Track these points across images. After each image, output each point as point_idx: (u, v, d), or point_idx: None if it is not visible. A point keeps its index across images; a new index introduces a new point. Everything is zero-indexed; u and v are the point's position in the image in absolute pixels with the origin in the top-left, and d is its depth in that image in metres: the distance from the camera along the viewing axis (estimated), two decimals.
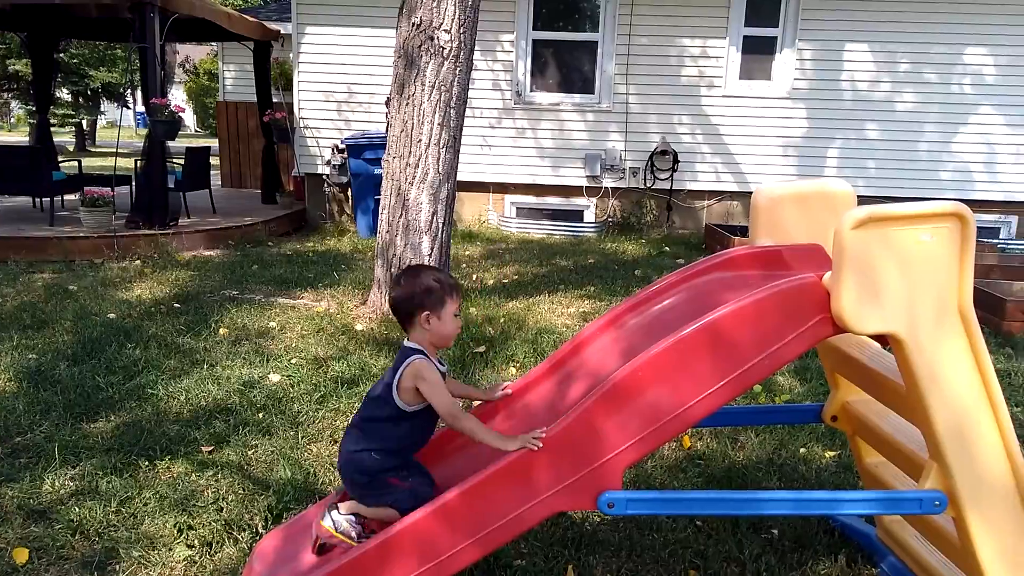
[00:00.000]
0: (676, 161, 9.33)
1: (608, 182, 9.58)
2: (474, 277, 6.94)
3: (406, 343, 2.20)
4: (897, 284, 1.88)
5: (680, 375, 1.98)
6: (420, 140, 5.17)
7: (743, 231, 8.36)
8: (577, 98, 9.52)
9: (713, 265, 2.45)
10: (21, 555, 2.58)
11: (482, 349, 4.80)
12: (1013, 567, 1.99)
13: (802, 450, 3.57)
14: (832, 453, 3.54)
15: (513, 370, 4.53)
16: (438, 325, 2.16)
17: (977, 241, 7.76)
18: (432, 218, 5.34)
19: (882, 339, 1.99)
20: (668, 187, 9.49)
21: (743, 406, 3.34)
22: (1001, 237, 9.29)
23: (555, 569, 2.64)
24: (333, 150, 9.56)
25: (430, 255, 5.40)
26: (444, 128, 5.18)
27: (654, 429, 2.00)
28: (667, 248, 8.61)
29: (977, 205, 9.38)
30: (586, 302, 6.09)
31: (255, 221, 8.87)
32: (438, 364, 2.19)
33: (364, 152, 8.79)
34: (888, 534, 2.65)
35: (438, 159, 5.22)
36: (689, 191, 9.61)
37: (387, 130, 5.41)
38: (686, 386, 1.99)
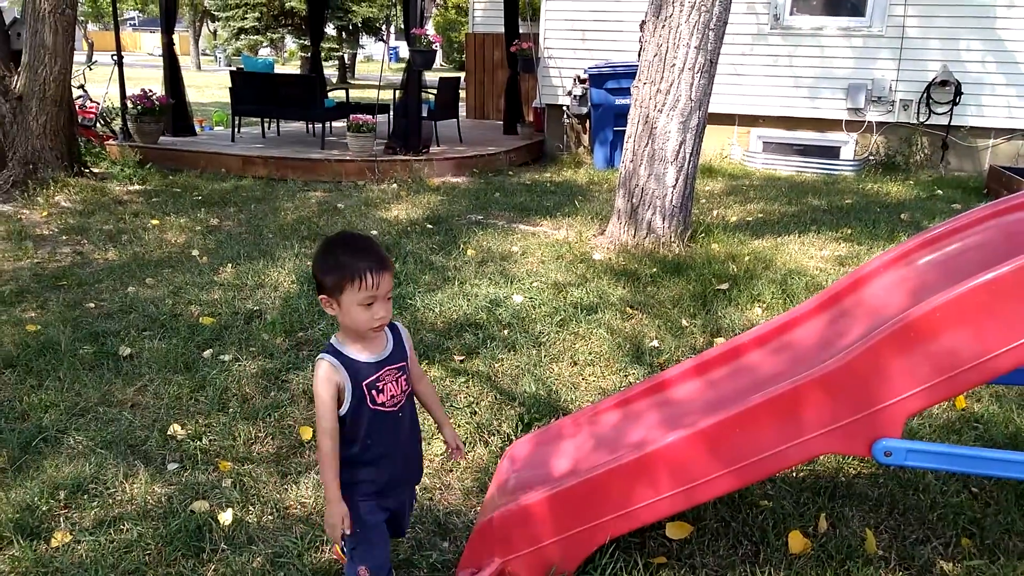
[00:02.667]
0: (959, 93, 8.21)
1: (873, 116, 8.68)
2: (714, 213, 6.67)
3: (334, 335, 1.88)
4: None
5: (988, 320, 1.74)
6: (674, 64, 4.97)
7: None
8: (844, 21, 8.64)
9: None
10: (306, 432, 2.92)
11: (725, 286, 4.62)
12: None
13: None
14: None
15: (759, 310, 4.32)
16: (341, 314, 1.77)
17: None
18: (680, 148, 5.16)
19: None
20: (946, 123, 8.40)
21: None
22: None
23: (805, 515, 2.51)
24: (575, 80, 9.54)
25: (674, 187, 5.24)
26: (701, 51, 4.93)
27: (948, 377, 1.79)
28: (939, 191, 7.68)
29: None
30: (843, 245, 5.62)
31: (497, 151, 9.15)
32: (355, 355, 1.80)
33: (606, 82, 8.68)
34: None
35: (691, 85, 5.00)
36: (971, 128, 8.44)
37: (639, 55, 5.26)
38: (993, 333, 1.75)
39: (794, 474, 2.76)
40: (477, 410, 3.11)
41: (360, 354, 1.81)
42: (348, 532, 1.81)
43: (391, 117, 9.20)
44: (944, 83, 8.23)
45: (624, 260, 5.13)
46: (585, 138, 9.93)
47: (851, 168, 8.67)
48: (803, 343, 2.22)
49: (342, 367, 1.78)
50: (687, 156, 5.18)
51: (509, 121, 10.69)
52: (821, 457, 2.84)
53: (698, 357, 2.41)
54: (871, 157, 8.83)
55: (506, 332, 3.93)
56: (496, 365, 3.56)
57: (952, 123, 8.39)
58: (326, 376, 1.77)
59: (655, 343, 3.85)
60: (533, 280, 4.74)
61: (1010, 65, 8.12)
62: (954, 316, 1.76)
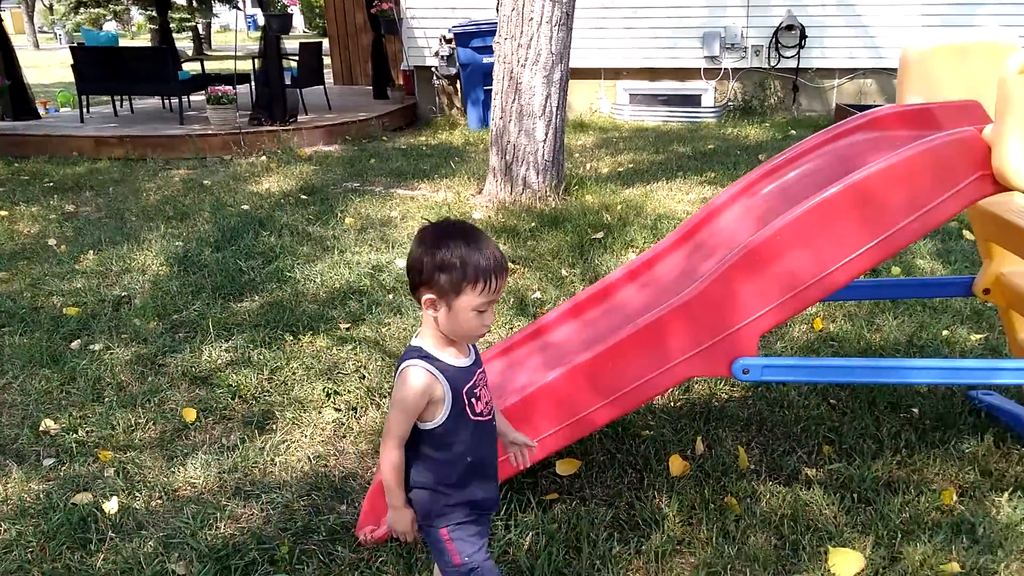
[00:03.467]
0: (803, 36, 8.69)
1: (728, 62, 9.08)
2: (588, 166, 6.85)
3: (415, 337, 1.61)
4: None
5: (822, 239, 1.92)
6: (531, 18, 5.03)
7: None
8: None
9: (856, 126, 2.31)
10: (190, 414, 2.85)
11: (600, 235, 4.78)
12: None
13: (944, 332, 3.41)
14: (978, 336, 3.36)
15: (632, 255, 4.50)
16: (446, 317, 1.52)
17: None
18: (546, 102, 5.25)
19: None
20: (794, 66, 8.90)
21: (888, 279, 3.19)
22: None
23: (683, 440, 2.69)
24: (440, 40, 9.45)
25: (544, 141, 5.34)
26: (556, 4, 5.00)
27: (793, 295, 1.96)
28: (793, 132, 8.16)
29: None
30: (707, 188, 5.91)
31: (369, 116, 8.99)
32: (450, 361, 1.56)
33: (472, 40, 8.65)
34: None
35: (550, 38, 5.07)
36: (817, 69, 8.98)
37: (497, 10, 5.28)
38: (829, 250, 1.92)
39: (672, 403, 2.94)
40: (366, 374, 3.12)
41: (453, 359, 1.57)
42: (416, 537, 1.67)
43: (252, 87, 8.85)
44: (790, 27, 8.69)
45: (503, 217, 5.21)
46: (457, 99, 9.89)
47: (712, 115, 9.07)
48: (666, 276, 2.36)
49: (440, 375, 1.54)
50: (554, 110, 5.28)
51: (378, 86, 10.50)
52: (695, 385, 3.04)
53: (573, 299, 2.52)
54: (730, 103, 9.25)
55: (391, 297, 3.94)
56: (383, 330, 3.57)
57: (800, 66, 8.89)
58: (425, 387, 1.52)
59: (538, 294, 3.96)
60: None
61: (847, 7, 8.65)
62: (792, 238, 1.93)
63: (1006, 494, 2.30)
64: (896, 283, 2.68)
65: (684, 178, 6.23)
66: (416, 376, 1.52)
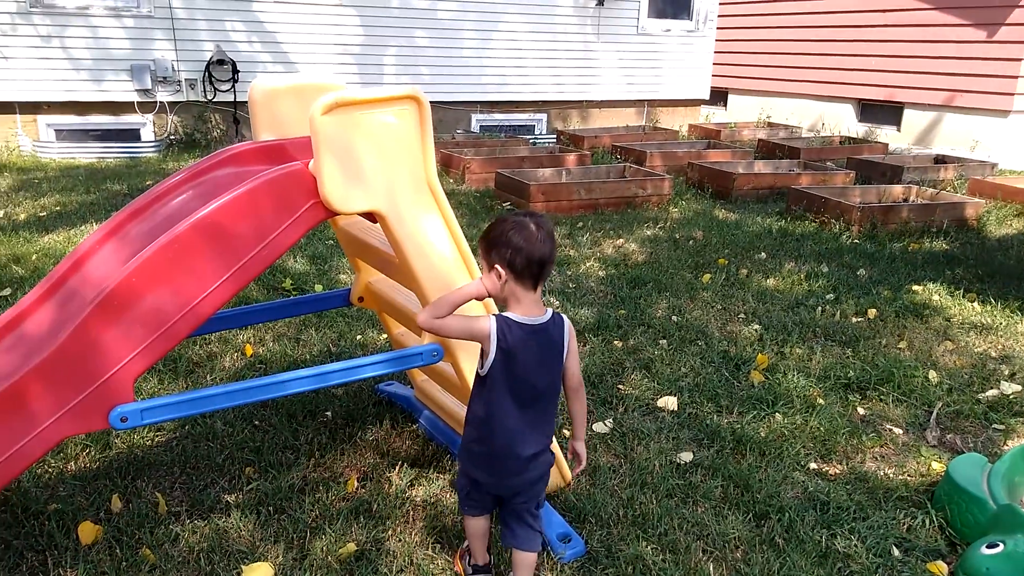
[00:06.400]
0: (236, 71, 8.87)
1: (163, 96, 8.77)
2: (1, 213, 5.95)
3: (531, 315, 1.97)
4: (373, 164, 2.05)
5: (180, 274, 1.95)
6: None
7: None
8: (110, 1, 8.41)
9: (219, 162, 2.41)
10: None
11: (7, 292, 4.18)
12: None
13: (359, 337, 3.82)
14: (385, 336, 3.84)
15: None
16: None
17: (512, 135, 8.76)
18: None
19: (371, 217, 2.17)
20: (232, 99, 9.02)
21: (274, 301, 3.43)
22: (536, 133, 10.68)
23: (98, 503, 2.50)
24: None
25: None
26: None
27: (161, 333, 1.95)
28: None
29: (514, 105, 10.63)
30: None
31: None
32: None
33: None
34: (422, 393, 3.00)
35: None
36: None
37: None
38: (188, 285, 1.96)
39: (86, 467, 2.71)
40: None
41: None
42: None
43: None
44: (221, 62, 8.78)
45: None
46: None
47: (153, 150, 8.67)
48: (36, 334, 2.15)
49: None
50: None
51: None
52: (114, 441, 2.85)
53: None
54: (172, 137, 8.96)
55: None
56: None
57: (238, 99, 9.05)
58: None
59: None
60: None
61: (272, 44, 9.11)
62: (150, 278, 1.92)
63: (397, 469, 2.66)
64: (282, 304, 2.89)
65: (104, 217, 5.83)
66: None
